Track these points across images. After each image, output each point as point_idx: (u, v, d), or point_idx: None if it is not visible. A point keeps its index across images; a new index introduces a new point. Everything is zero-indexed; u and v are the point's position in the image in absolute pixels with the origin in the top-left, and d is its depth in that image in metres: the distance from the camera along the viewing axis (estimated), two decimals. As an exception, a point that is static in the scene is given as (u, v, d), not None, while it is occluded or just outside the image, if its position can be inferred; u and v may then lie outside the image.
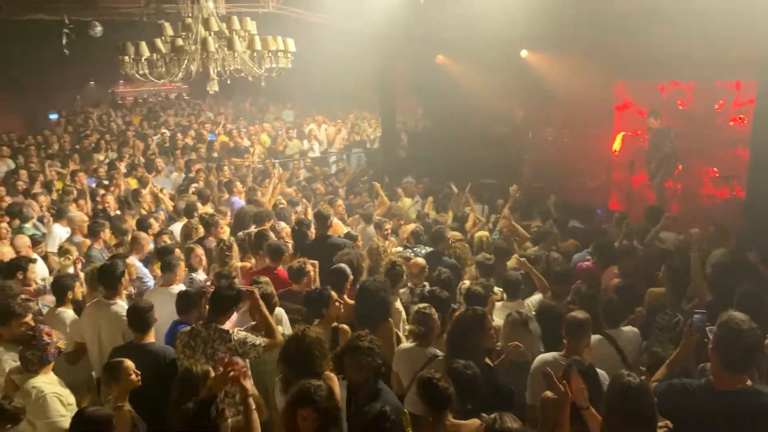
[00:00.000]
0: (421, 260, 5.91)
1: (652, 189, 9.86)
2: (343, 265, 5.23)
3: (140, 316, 4.31)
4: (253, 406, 3.39)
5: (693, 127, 9.58)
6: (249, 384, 3.71)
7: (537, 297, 5.52)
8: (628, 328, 4.59)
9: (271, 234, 6.30)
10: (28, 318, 4.39)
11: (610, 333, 4.50)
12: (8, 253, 5.91)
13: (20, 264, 5.42)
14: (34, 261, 5.66)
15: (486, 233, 7.58)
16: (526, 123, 12.12)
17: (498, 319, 4.78)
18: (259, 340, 4.12)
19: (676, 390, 3.19)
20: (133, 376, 3.71)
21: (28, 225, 7.26)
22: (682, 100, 9.98)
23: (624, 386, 2.99)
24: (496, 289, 5.51)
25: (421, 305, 4.44)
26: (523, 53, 11.45)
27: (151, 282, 5.91)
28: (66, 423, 3.64)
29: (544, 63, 11.14)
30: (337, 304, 4.67)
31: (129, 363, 3.74)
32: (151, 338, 4.36)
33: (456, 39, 11.01)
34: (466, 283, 5.63)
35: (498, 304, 5.25)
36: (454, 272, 5.81)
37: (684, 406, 3.14)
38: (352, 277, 5.20)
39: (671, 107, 9.95)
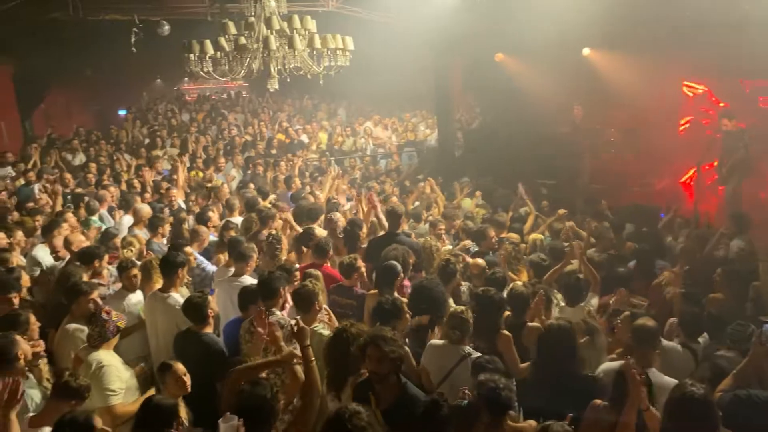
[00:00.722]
0: (481, 261, 5.85)
1: (724, 194, 9.41)
2: (394, 262, 5.19)
3: (196, 308, 4.45)
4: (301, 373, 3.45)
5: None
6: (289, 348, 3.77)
7: (596, 301, 5.36)
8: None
9: (318, 231, 6.36)
10: (95, 295, 4.68)
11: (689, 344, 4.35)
12: (82, 242, 6.19)
13: (98, 253, 5.68)
14: (110, 249, 5.95)
15: (541, 236, 7.44)
16: (586, 123, 11.83)
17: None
18: (326, 332, 4.21)
19: (742, 401, 3.09)
20: (182, 380, 3.73)
21: (94, 217, 7.58)
22: (765, 98, 9.44)
23: (687, 396, 2.89)
24: (557, 295, 5.39)
25: (458, 308, 4.36)
26: (585, 51, 11.18)
27: (209, 268, 6.07)
28: (116, 399, 3.86)
29: (607, 61, 10.85)
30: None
31: (179, 366, 3.78)
32: (208, 329, 4.49)
33: (516, 37, 10.84)
34: (519, 283, 5.55)
35: (556, 309, 5.14)
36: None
37: (750, 418, 3.03)
38: (402, 274, 5.17)
39: (750, 104, 9.41)
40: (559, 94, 11.34)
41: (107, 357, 4.06)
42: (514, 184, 9.62)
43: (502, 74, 12.52)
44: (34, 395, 3.80)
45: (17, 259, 5.93)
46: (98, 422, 3.08)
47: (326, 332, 4.23)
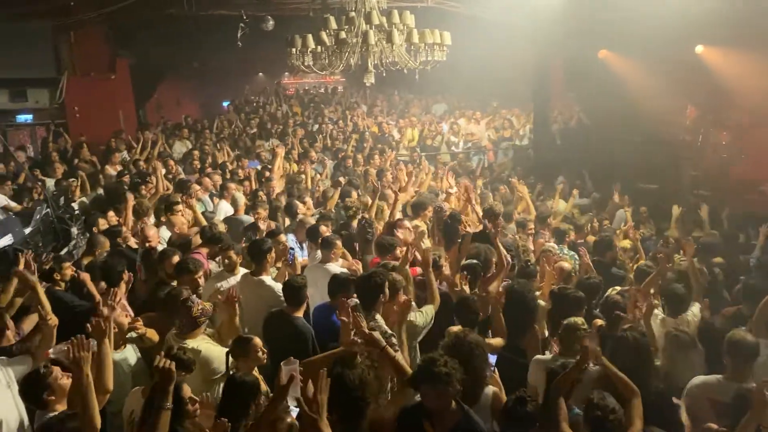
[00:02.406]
0: (566, 264, 5.65)
1: None
2: (475, 261, 5.12)
3: (294, 291, 4.60)
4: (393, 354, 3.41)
5: None
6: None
7: (696, 309, 5.03)
8: None
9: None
10: (199, 275, 4.95)
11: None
12: (184, 224, 6.56)
13: (221, 238, 5.89)
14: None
15: (629, 243, 7.05)
16: (697, 125, 11.10)
17: (657, 334, 4.44)
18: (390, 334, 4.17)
19: None
20: (260, 354, 3.85)
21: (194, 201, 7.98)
22: None
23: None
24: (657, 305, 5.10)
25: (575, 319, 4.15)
26: (698, 49, 10.49)
27: (299, 253, 6.25)
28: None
29: (723, 60, 10.13)
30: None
31: (257, 341, 3.89)
32: (300, 312, 4.62)
33: (623, 33, 10.35)
34: (615, 290, 5.30)
35: (658, 318, 4.87)
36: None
37: None
38: (482, 273, 5.08)
39: None
40: (667, 93, 10.71)
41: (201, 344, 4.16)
42: (610, 187, 9.21)
43: (606, 72, 12.01)
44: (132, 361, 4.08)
45: (130, 238, 6.36)
46: (187, 390, 3.25)
47: (419, 318, 4.27)
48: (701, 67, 10.39)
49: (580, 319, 4.09)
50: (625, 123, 11.48)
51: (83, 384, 3.09)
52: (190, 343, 4.09)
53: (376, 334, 3.52)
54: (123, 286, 4.75)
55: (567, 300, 4.45)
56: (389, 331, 4.01)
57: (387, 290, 4.22)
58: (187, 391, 3.24)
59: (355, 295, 4.27)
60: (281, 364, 3.12)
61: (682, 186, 10.67)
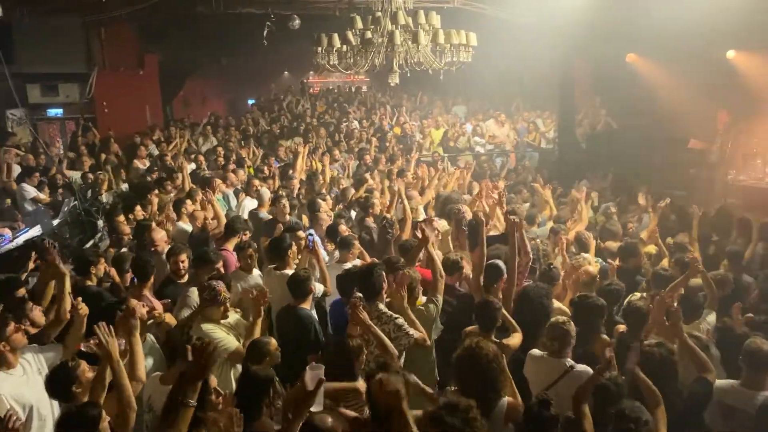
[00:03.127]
0: (592, 269, 5.55)
1: None
2: (498, 261, 5.07)
3: (298, 283, 4.66)
4: None
5: None
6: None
7: (713, 317, 4.94)
8: None
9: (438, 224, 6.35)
10: (219, 265, 5.10)
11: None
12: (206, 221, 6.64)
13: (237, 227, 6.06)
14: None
15: (655, 248, 6.92)
16: (729, 130, 10.88)
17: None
18: (412, 331, 4.19)
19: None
20: (275, 351, 3.88)
21: (218, 196, 8.07)
22: None
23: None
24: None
25: (560, 318, 4.13)
26: (730, 54, 10.29)
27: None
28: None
29: (755, 64, 9.92)
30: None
31: (273, 342, 3.94)
32: (306, 304, 4.68)
33: (652, 37, 10.20)
34: (636, 296, 5.22)
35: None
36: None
37: None
38: (506, 274, 5.01)
39: None
40: (697, 98, 10.54)
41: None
42: (635, 192, 9.06)
43: (634, 75, 11.85)
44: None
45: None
46: (213, 381, 3.28)
47: (431, 306, 4.45)
48: (732, 71, 10.20)
49: (562, 318, 4.09)
50: (653, 128, 11.31)
51: (115, 370, 3.16)
52: (204, 327, 4.21)
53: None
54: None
55: (588, 308, 4.38)
56: (394, 315, 4.22)
57: (385, 282, 4.40)
58: (213, 381, 3.27)
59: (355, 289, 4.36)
60: (307, 368, 3.00)
61: (713, 193, 10.48)
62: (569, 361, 3.91)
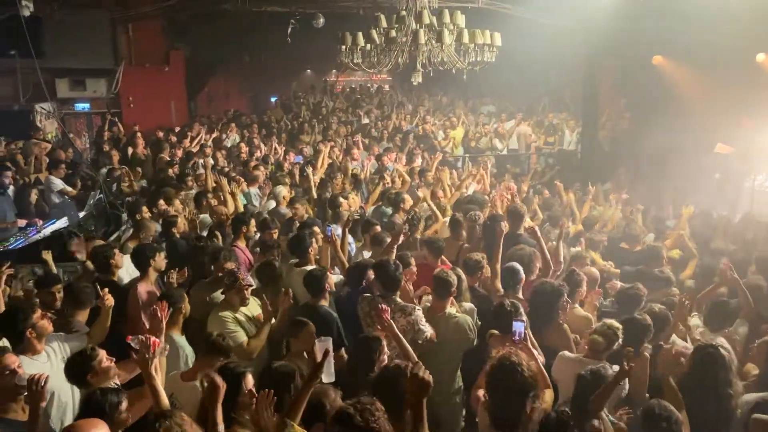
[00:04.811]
0: (594, 271, 5.59)
1: None
2: (517, 265, 5.03)
3: (314, 281, 4.67)
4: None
5: None
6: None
7: (744, 330, 4.82)
8: None
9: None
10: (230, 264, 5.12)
11: None
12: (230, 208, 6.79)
13: (244, 219, 6.15)
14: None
15: (677, 253, 6.82)
16: (757, 137, 10.65)
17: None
18: (429, 331, 4.21)
19: None
20: (312, 339, 3.86)
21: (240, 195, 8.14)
22: None
23: None
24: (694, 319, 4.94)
25: (615, 324, 4.07)
26: (760, 57, 10.09)
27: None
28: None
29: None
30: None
31: (312, 327, 4.01)
32: (324, 302, 4.68)
33: (679, 39, 10.05)
34: (656, 305, 5.15)
35: (698, 332, 4.72)
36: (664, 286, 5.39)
37: None
38: (523, 276, 4.98)
39: None
40: (725, 102, 10.34)
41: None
42: (659, 197, 8.96)
43: (660, 78, 11.68)
44: (189, 352, 4.17)
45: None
46: (249, 382, 3.23)
47: (459, 315, 4.42)
48: (762, 76, 10.00)
49: (617, 325, 4.03)
50: (678, 132, 11.12)
51: (149, 377, 3.12)
52: (221, 314, 4.38)
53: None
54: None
55: (637, 327, 4.20)
56: (409, 305, 4.33)
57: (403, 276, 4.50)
58: (248, 382, 3.23)
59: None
60: (315, 341, 3.22)
61: (738, 199, 10.29)
62: (604, 365, 3.81)
